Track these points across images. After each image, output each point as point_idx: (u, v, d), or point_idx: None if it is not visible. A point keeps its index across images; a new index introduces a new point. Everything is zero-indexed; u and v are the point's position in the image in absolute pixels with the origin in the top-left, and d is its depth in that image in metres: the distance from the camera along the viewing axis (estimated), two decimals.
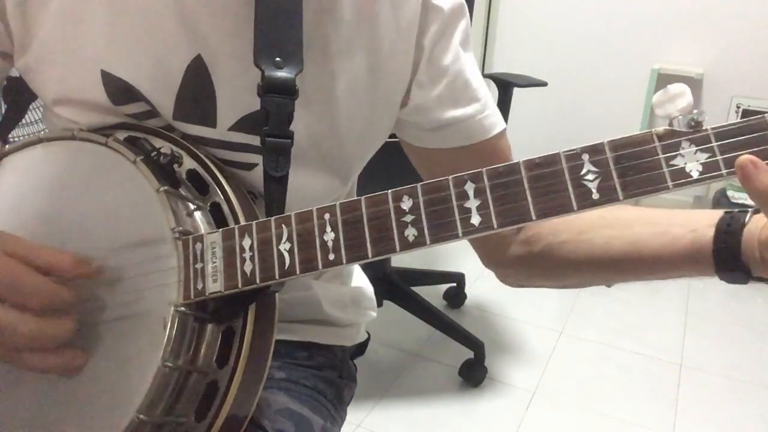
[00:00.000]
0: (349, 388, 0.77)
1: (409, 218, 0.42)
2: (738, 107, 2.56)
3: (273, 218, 0.46)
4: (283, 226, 0.45)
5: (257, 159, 0.57)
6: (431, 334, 1.86)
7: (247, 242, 0.46)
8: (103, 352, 0.48)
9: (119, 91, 0.55)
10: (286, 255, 0.44)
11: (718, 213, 0.51)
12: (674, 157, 0.38)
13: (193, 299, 0.46)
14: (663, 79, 2.57)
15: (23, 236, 0.48)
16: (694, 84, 2.54)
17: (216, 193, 0.52)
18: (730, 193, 2.50)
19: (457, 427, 1.57)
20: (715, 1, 2.49)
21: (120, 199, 0.52)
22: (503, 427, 1.58)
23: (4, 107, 0.74)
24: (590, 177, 0.39)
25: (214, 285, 0.46)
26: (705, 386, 1.74)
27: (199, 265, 0.47)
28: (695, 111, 0.38)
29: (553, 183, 0.39)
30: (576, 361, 1.84)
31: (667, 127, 0.38)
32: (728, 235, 0.49)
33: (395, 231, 0.42)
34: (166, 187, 0.49)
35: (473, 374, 1.71)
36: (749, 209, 0.49)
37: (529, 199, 0.39)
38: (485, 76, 1.97)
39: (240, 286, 0.45)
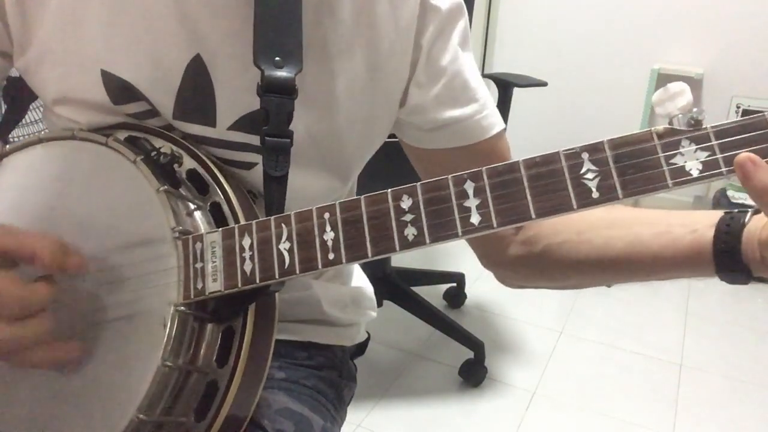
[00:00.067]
0: (349, 388, 0.77)
1: (408, 217, 0.42)
2: (738, 107, 2.56)
3: (273, 217, 0.46)
4: (283, 225, 0.45)
5: (257, 158, 0.57)
6: (431, 334, 1.86)
7: (246, 242, 0.46)
8: (102, 351, 0.48)
9: (119, 90, 0.55)
10: (286, 254, 0.44)
11: (718, 213, 0.51)
12: (674, 155, 0.38)
13: (192, 299, 0.46)
14: (663, 79, 2.57)
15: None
16: (694, 84, 2.54)
17: (216, 192, 0.52)
18: (730, 193, 2.50)
19: (457, 427, 1.57)
20: (715, 1, 2.49)
21: (120, 199, 0.52)
22: (503, 427, 1.57)
23: (4, 107, 0.74)
24: (590, 176, 0.39)
25: (214, 284, 0.46)
26: (705, 386, 1.74)
27: (198, 265, 0.47)
28: (695, 109, 0.38)
29: (552, 182, 0.39)
30: (576, 361, 1.84)
31: (667, 126, 0.38)
32: (728, 235, 0.48)
33: (395, 230, 0.42)
34: (166, 187, 0.49)
35: (473, 374, 1.71)
36: (749, 209, 0.49)
37: (529, 198, 0.39)
38: (485, 76, 1.97)
39: (240, 285, 0.45)
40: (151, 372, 0.44)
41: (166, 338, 0.45)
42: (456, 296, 2.08)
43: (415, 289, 1.90)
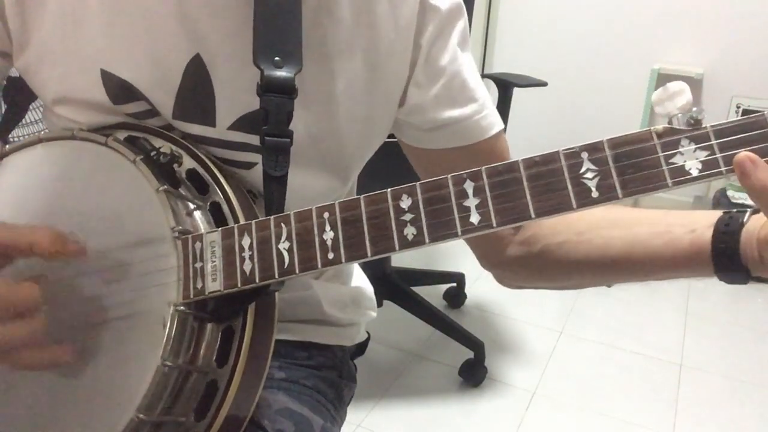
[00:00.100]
0: (349, 388, 0.77)
1: (408, 217, 0.42)
2: (738, 107, 2.56)
3: (272, 217, 0.46)
4: (283, 225, 0.45)
5: (257, 158, 0.57)
6: (431, 334, 1.86)
7: (246, 241, 0.46)
8: (102, 351, 0.48)
9: (119, 90, 0.55)
10: (286, 254, 0.44)
11: (717, 213, 0.51)
12: (673, 155, 0.38)
13: (192, 298, 0.46)
14: (663, 79, 2.57)
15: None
16: (694, 84, 2.54)
17: (216, 192, 0.52)
18: (730, 192, 2.50)
19: (457, 427, 1.57)
20: (715, 1, 2.49)
21: (120, 199, 0.52)
22: (503, 427, 1.57)
23: (4, 107, 0.74)
24: (589, 175, 0.39)
25: (214, 284, 0.46)
26: (705, 386, 1.74)
27: (198, 265, 0.47)
28: (694, 109, 0.38)
29: (552, 181, 0.39)
30: (576, 361, 1.84)
31: (667, 125, 0.38)
32: (727, 235, 0.49)
33: (394, 230, 0.42)
34: (165, 187, 0.49)
35: (473, 374, 1.71)
36: (748, 209, 0.49)
37: (529, 197, 0.39)
38: (485, 76, 1.97)
39: (239, 285, 0.45)
40: (150, 372, 0.44)
41: (165, 338, 0.45)
42: (456, 296, 2.08)
43: (415, 289, 1.90)
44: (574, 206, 0.39)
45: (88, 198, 0.54)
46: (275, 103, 0.51)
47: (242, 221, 0.49)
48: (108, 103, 0.55)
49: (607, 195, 0.38)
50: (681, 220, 0.53)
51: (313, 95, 0.56)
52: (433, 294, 2.05)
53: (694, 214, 0.53)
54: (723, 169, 0.37)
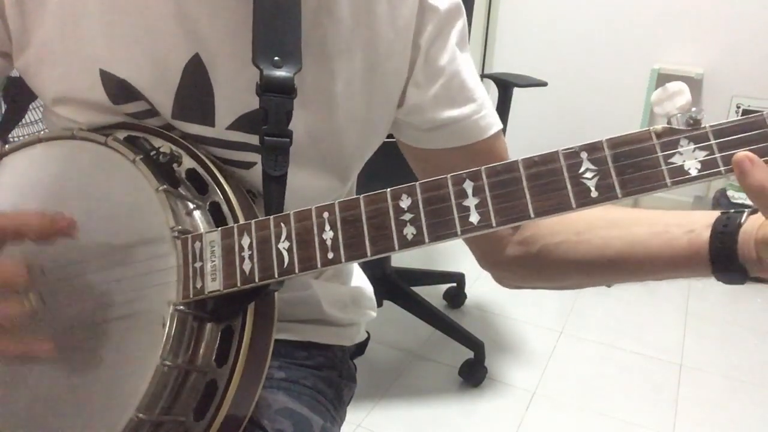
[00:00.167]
0: (349, 388, 0.77)
1: (407, 217, 0.42)
2: (738, 107, 2.56)
3: (272, 217, 0.46)
4: (282, 224, 0.45)
5: (256, 158, 0.57)
6: (431, 334, 1.86)
7: (246, 241, 0.46)
8: (102, 350, 0.48)
9: (118, 90, 0.55)
10: (285, 254, 0.44)
11: (715, 214, 0.51)
12: (672, 155, 0.38)
13: (192, 298, 0.46)
14: (663, 79, 2.57)
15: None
16: (694, 84, 2.54)
17: (215, 192, 0.52)
18: (730, 192, 2.50)
19: (457, 427, 1.57)
20: (715, 1, 2.49)
21: (119, 199, 0.52)
22: (503, 427, 1.57)
23: (4, 107, 0.74)
24: (589, 175, 0.39)
25: (213, 284, 0.46)
26: (705, 386, 1.74)
27: (198, 264, 0.47)
28: (694, 109, 0.38)
29: (551, 181, 0.39)
30: (576, 361, 1.84)
31: (666, 125, 0.38)
32: (725, 235, 0.49)
33: (394, 229, 0.42)
34: (165, 186, 0.49)
35: (473, 374, 1.71)
36: (746, 210, 0.49)
37: (528, 197, 0.39)
38: (485, 76, 1.97)
39: (239, 284, 0.45)
40: (150, 371, 0.44)
41: (165, 338, 0.45)
42: (456, 296, 2.08)
43: (415, 289, 1.90)
44: (574, 206, 0.39)
45: (88, 198, 0.54)
46: (275, 103, 0.51)
47: (242, 221, 0.49)
48: (107, 102, 0.55)
49: (606, 195, 0.38)
50: (679, 220, 0.53)
51: (313, 95, 0.56)
52: (433, 294, 2.05)
53: (692, 214, 0.53)
54: (722, 168, 0.37)
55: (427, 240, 0.41)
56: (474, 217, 0.40)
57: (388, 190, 0.42)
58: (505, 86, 1.76)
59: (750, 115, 0.37)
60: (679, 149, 0.38)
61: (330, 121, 0.58)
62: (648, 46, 2.65)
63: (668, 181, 0.37)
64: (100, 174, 0.54)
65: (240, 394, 0.47)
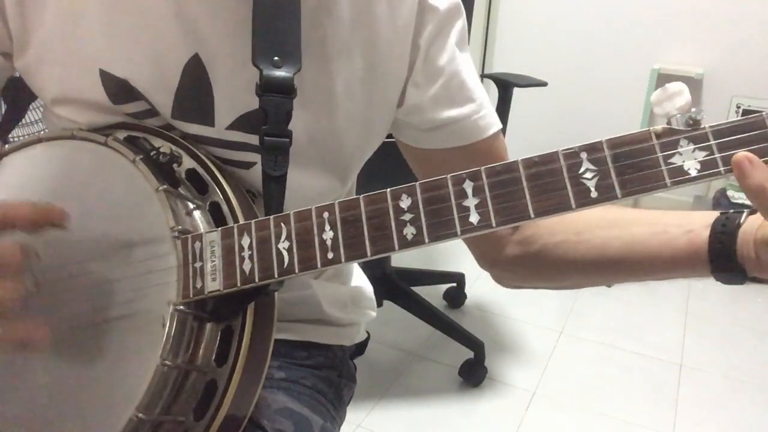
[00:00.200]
0: (349, 388, 0.77)
1: (407, 217, 0.42)
2: (738, 107, 2.55)
3: (272, 217, 0.46)
4: (282, 224, 0.45)
5: (256, 158, 0.57)
6: (431, 334, 1.86)
7: (246, 241, 0.46)
8: (102, 350, 0.48)
9: (118, 90, 0.55)
10: (285, 254, 0.44)
11: (715, 214, 0.51)
12: (672, 155, 0.38)
13: (192, 298, 0.46)
14: (663, 79, 2.57)
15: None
16: (694, 84, 2.54)
17: (215, 192, 0.52)
18: (730, 192, 2.50)
19: (457, 427, 1.57)
20: (715, 1, 2.49)
21: (119, 198, 0.52)
22: (503, 427, 1.57)
23: (4, 107, 0.74)
24: (588, 175, 0.39)
25: (213, 284, 0.46)
26: (705, 386, 1.74)
27: (198, 264, 0.47)
28: (693, 109, 0.38)
29: (551, 181, 0.39)
30: (576, 361, 1.84)
31: (666, 126, 0.38)
32: (724, 235, 0.49)
33: (394, 229, 0.42)
34: (165, 186, 0.49)
35: (473, 374, 1.71)
36: (745, 210, 0.49)
37: (528, 197, 0.39)
38: (485, 76, 1.97)
39: (239, 284, 0.45)
40: (150, 371, 0.44)
41: (165, 337, 0.45)
42: (456, 296, 2.08)
43: (415, 289, 1.90)
44: (573, 206, 0.39)
45: (88, 197, 0.54)
46: (274, 103, 0.51)
47: (242, 221, 0.49)
48: (107, 102, 0.56)
49: (606, 195, 0.38)
50: (678, 220, 0.53)
51: (312, 95, 0.56)
52: (433, 294, 2.05)
53: (691, 214, 0.53)
54: (721, 169, 0.37)
55: (427, 240, 0.41)
56: (474, 218, 0.40)
57: (388, 190, 0.42)
58: (505, 86, 1.76)
59: (749, 116, 0.37)
60: (679, 149, 0.38)
61: (330, 121, 0.58)
62: (648, 46, 2.65)
63: (668, 181, 0.37)
64: (100, 174, 0.54)
65: (240, 394, 0.47)
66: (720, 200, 2.52)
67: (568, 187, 0.39)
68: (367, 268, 0.81)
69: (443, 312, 1.85)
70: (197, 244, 0.47)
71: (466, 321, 1.97)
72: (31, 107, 0.75)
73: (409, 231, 0.41)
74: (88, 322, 0.49)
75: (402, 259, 2.02)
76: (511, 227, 0.40)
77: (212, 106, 0.55)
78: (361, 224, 0.43)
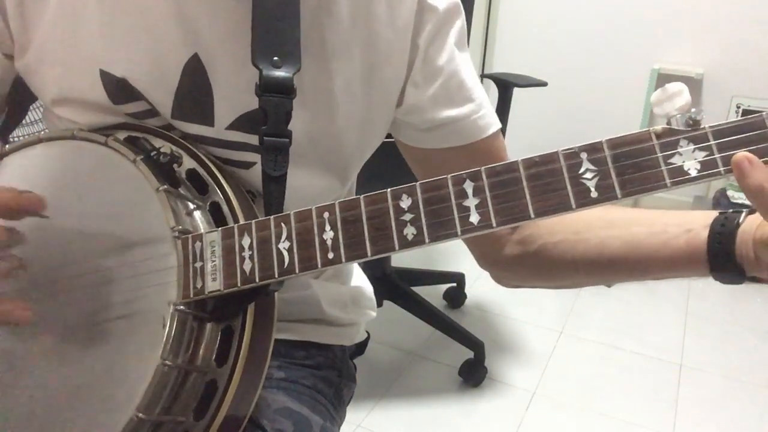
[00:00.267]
0: (349, 388, 0.77)
1: (408, 217, 0.42)
2: (738, 107, 2.56)
3: (272, 217, 0.46)
4: (283, 224, 0.45)
5: (256, 158, 0.57)
6: (431, 334, 1.86)
7: (246, 241, 0.46)
8: (102, 350, 0.48)
9: (119, 90, 0.55)
10: (286, 254, 0.44)
11: (714, 213, 0.51)
12: (672, 155, 0.38)
13: (192, 298, 0.46)
14: (663, 79, 2.57)
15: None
16: (694, 84, 2.54)
17: (215, 192, 0.52)
18: (730, 192, 2.50)
19: (457, 427, 1.57)
20: (715, 1, 2.49)
21: (120, 199, 0.52)
22: (503, 427, 1.57)
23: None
24: (589, 175, 0.39)
25: (214, 284, 0.46)
26: (705, 386, 1.74)
27: (198, 264, 0.47)
28: (693, 110, 0.38)
29: (551, 181, 0.39)
30: (576, 361, 1.84)
31: (665, 126, 0.39)
32: (723, 235, 0.49)
33: (394, 229, 0.42)
34: (165, 187, 0.49)
35: (473, 374, 1.71)
36: (744, 210, 0.49)
37: (528, 197, 0.39)
38: (485, 76, 1.97)
39: (239, 284, 0.45)
40: (150, 371, 0.44)
41: (165, 337, 0.45)
42: (456, 296, 2.08)
43: (415, 289, 1.90)
44: (574, 206, 0.39)
45: (88, 198, 0.54)
46: (274, 103, 0.51)
47: (242, 221, 0.49)
48: (108, 103, 0.56)
49: (606, 195, 0.38)
50: (678, 220, 0.53)
51: (312, 95, 0.56)
52: (433, 294, 2.05)
53: (690, 214, 0.53)
54: (721, 169, 0.37)
55: (427, 240, 0.41)
56: (474, 218, 0.40)
57: (389, 190, 0.42)
58: (505, 86, 1.76)
59: (749, 116, 0.37)
60: (679, 150, 0.38)
61: (329, 121, 0.58)
62: (648, 46, 2.65)
63: (668, 181, 0.38)
64: (101, 174, 0.54)
65: (240, 394, 0.47)
66: (720, 200, 2.52)
67: (568, 187, 0.39)
68: (367, 268, 0.81)
69: (443, 312, 1.85)
70: (197, 244, 0.47)
71: (466, 321, 1.98)
72: (31, 107, 0.75)
73: (410, 231, 0.41)
74: (89, 322, 0.49)
75: (402, 259, 2.02)
76: (511, 227, 0.40)
77: (212, 106, 0.55)
78: (361, 224, 0.43)
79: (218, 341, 0.48)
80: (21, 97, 0.69)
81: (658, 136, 0.38)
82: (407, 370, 1.77)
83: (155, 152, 0.52)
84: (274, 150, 0.51)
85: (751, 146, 0.36)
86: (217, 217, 0.51)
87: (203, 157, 0.54)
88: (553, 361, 1.82)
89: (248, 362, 0.47)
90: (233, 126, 0.56)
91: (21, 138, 0.88)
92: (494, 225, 0.40)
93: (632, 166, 0.38)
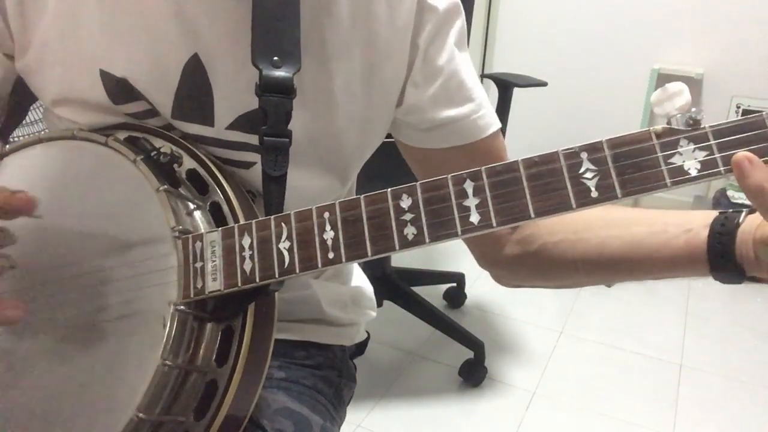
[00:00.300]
0: (349, 388, 0.77)
1: (408, 216, 0.42)
2: (738, 107, 2.56)
3: (272, 217, 0.46)
4: (283, 224, 0.45)
5: (256, 158, 0.57)
6: (431, 334, 1.86)
7: (246, 241, 0.46)
8: (102, 350, 0.48)
9: (119, 90, 0.55)
10: (286, 253, 0.44)
11: (714, 213, 0.51)
12: (672, 155, 0.38)
13: (192, 298, 0.46)
14: (663, 79, 2.57)
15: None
16: (694, 84, 2.54)
17: (216, 192, 0.52)
18: (730, 192, 2.50)
19: (457, 427, 1.57)
20: (715, 1, 2.49)
21: (120, 199, 0.52)
22: (503, 427, 1.58)
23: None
24: (589, 175, 0.39)
25: (214, 284, 0.46)
26: (705, 386, 1.74)
27: (198, 264, 0.47)
28: (693, 109, 0.38)
29: (551, 181, 0.39)
30: (576, 361, 1.84)
31: (666, 126, 0.39)
32: (722, 234, 0.49)
33: (394, 229, 0.42)
34: (165, 187, 0.49)
35: (473, 374, 1.71)
36: (744, 210, 0.49)
37: (528, 197, 0.39)
38: (485, 76, 1.97)
39: (240, 284, 0.45)
40: (150, 371, 0.44)
41: (165, 337, 0.45)
42: (456, 296, 2.08)
43: (415, 289, 1.90)
44: (574, 206, 0.39)
45: (89, 198, 0.54)
46: (274, 103, 0.51)
47: (242, 221, 0.49)
48: (108, 103, 0.56)
49: (606, 195, 0.38)
50: (677, 219, 0.53)
51: (312, 95, 0.56)
52: (433, 294, 2.05)
53: (690, 213, 0.53)
54: (721, 169, 0.37)
55: (427, 240, 0.41)
56: (474, 217, 0.40)
57: (389, 190, 0.42)
58: (505, 86, 1.76)
59: (749, 116, 0.37)
60: (679, 149, 0.38)
61: (329, 121, 0.58)
62: (648, 46, 2.65)
63: (668, 181, 0.38)
64: (101, 174, 0.54)
65: (240, 394, 0.47)
66: (720, 200, 2.52)
67: (569, 186, 0.39)
68: (367, 268, 0.81)
69: (443, 312, 1.85)
70: (198, 244, 0.47)
71: (466, 321, 1.98)
72: (31, 107, 0.75)
73: (410, 231, 0.41)
74: (89, 322, 0.49)
75: (402, 259, 2.02)
76: (511, 227, 0.40)
77: (212, 106, 0.55)
78: (361, 224, 0.43)
79: (218, 341, 0.48)
80: (21, 97, 0.69)
81: (659, 135, 0.38)
82: (407, 370, 1.77)
83: (155, 152, 0.52)
84: (274, 150, 0.51)
85: (752, 146, 0.36)
86: (217, 217, 0.51)
87: (203, 157, 0.54)
88: (553, 361, 1.82)
89: (248, 362, 0.47)
90: (233, 126, 0.56)
91: (21, 138, 0.88)
92: (494, 225, 0.40)
93: (632, 165, 0.38)
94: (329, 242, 0.43)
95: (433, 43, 0.59)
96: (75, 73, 0.55)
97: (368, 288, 0.80)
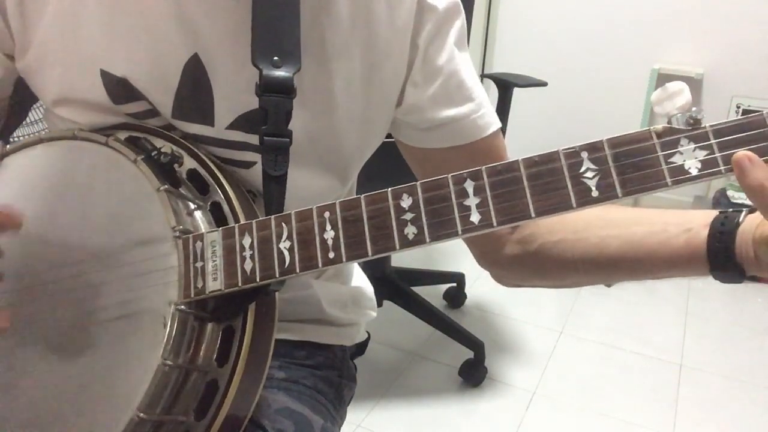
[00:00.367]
0: (349, 388, 0.77)
1: (408, 216, 0.42)
2: (738, 107, 2.56)
3: (273, 216, 0.46)
4: (283, 224, 0.45)
5: (256, 158, 0.57)
6: (431, 334, 1.86)
7: (247, 240, 0.46)
8: (103, 350, 0.49)
9: (119, 90, 0.55)
10: (286, 253, 0.44)
11: (714, 213, 0.51)
12: (673, 154, 0.38)
13: (193, 298, 0.46)
14: (663, 79, 2.57)
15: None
16: (694, 84, 2.54)
17: (216, 192, 0.52)
18: (730, 192, 2.50)
19: (457, 427, 1.57)
20: (715, 1, 2.49)
21: (120, 199, 0.52)
22: (503, 427, 1.57)
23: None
24: (589, 174, 0.39)
25: (215, 283, 0.46)
26: (705, 386, 1.74)
27: (199, 264, 0.47)
28: (694, 109, 0.38)
29: (552, 181, 0.39)
30: (576, 361, 1.84)
31: (666, 125, 0.39)
32: (722, 234, 0.49)
33: (395, 229, 0.42)
34: (166, 186, 0.49)
35: (473, 374, 1.71)
36: (744, 209, 0.49)
37: (529, 196, 0.39)
38: (485, 76, 1.97)
39: (240, 284, 0.45)
40: (151, 371, 0.44)
41: (166, 337, 0.45)
42: (456, 296, 2.08)
43: (415, 289, 1.90)
44: (574, 205, 0.39)
45: (89, 198, 0.54)
46: (274, 103, 0.51)
47: (242, 221, 0.49)
48: (108, 103, 0.56)
49: (606, 194, 0.38)
50: (677, 219, 0.53)
51: (312, 95, 0.56)
52: (433, 294, 2.05)
53: (690, 213, 0.53)
54: (722, 168, 0.37)
55: (428, 239, 0.41)
56: (475, 217, 0.40)
57: (389, 189, 0.42)
58: (505, 86, 1.76)
59: (750, 115, 0.37)
60: (680, 149, 0.38)
61: (329, 120, 0.58)
62: (648, 46, 2.65)
63: (668, 180, 0.38)
64: (101, 174, 0.54)
65: (241, 394, 0.47)
66: (720, 200, 2.52)
67: (569, 186, 0.39)
68: (367, 268, 0.81)
69: (443, 312, 1.85)
70: (198, 244, 0.47)
71: (466, 321, 1.97)
72: (32, 107, 0.75)
73: (410, 230, 0.41)
74: (90, 322, 0.49)
75: (402, 259, 2.02)
76: (511, 227, 0.40)
77: (212, 106, 0.55)
78: (362, 224, 0.43)
79: (219, 341, 0.48)
80: (22, 97, 0.69)
81: (659, 135, 0.38)
82: (407, 370, 1.77)
83: (156, 152, 0.52)
84: (275, 150, 0.51)
85: (752, 145, 0.36)
86: (217, 217, 0.51)
87: (204, 157, 0.54)
88: (553, 361, 1.82)
89: (249, 362, 0.47)
90: (233, 126, 0.56)
91: (22, 138, 0.88)
92: (495, 224, 0.40)
93: (633, 165, 0.38)
94: (330, 242, 0.43)
95: (432, 42, 0.59)
96: (75, 73, 0.55)
97: (368, 288, 0.80)
